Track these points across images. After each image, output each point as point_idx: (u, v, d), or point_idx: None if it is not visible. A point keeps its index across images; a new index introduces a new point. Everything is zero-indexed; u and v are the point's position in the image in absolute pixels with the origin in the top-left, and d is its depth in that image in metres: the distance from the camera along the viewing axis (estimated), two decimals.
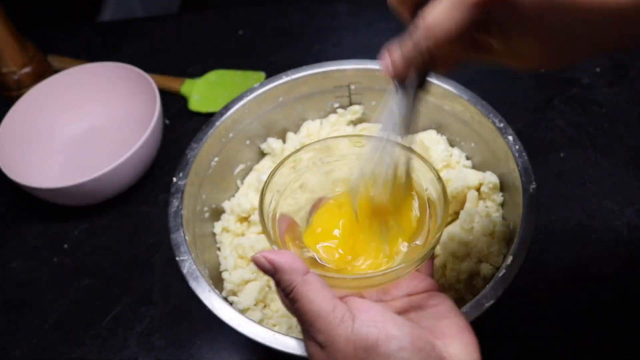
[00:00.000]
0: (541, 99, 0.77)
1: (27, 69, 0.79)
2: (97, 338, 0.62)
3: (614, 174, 0.68)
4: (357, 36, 0.89)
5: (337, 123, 0.64)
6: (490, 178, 0.55)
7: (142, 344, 0.61)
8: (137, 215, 0.72)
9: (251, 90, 0.60)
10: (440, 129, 0.63)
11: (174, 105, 0.83)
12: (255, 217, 0.58)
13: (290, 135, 0.64)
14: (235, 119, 0.60)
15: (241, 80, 0.83)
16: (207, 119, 0.59)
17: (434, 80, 0.58)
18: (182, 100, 0.83)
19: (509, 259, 0.46)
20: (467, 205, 0.55)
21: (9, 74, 0.78)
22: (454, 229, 0.54)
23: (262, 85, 0.61)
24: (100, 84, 0.79)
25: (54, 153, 0.77)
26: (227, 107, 0.59)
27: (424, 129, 0.64)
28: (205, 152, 0.57)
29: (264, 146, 0.63)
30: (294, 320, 0.53)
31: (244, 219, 0.60)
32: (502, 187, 0.56)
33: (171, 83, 0.84)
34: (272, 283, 0.55)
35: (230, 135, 0.60)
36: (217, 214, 0.60)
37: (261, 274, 0.55)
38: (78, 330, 0.63)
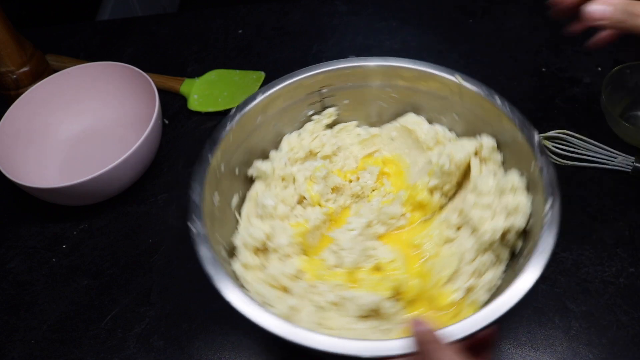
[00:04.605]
0: (542, 98, 0.77)
1: (25, 68, 0.79)
2: (96, 339, 0.62)
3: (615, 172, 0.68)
4: (357, 35, 0.89)
5: (315, 130, 0.63)
6: (487, 141, 0.57)
7: (141, 344, 0.61)
8: (136, 215, 0.71)
9: (231, 117, 0.58)
10: (417, 110, 0.63)
11: (173, 105, 0.83)
12: (272, 243, 0.55)
13: (273, 154, 0.62)
14: (224, 149, 0.57)
15: (241, 79, 0.83)
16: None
17: (407, 65, 0.60)
18: (182, 99, 0.83)
19: (549, 202, 0.48)
20: (473, 171, 0.57)
21: (7, 73, 0.78)
22: (471, 196, 0.55)
23: (240, 108, 0.58)
24: (99, 84, 0.79)
25: (53, 153, 0.77)
26: (213, 141, 0.56)
27: (402, 114, 0.64)
28: (208, 192, 0.54)
29: (251, 172, 0.61)
30: None
31: (259, 250, 0.57)
32: (498, 146, 0.58)
33: (170, 82, 0.83)
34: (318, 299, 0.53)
35: (222, 167, 0.57)
36: (231, 251, 0.57)
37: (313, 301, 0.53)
38: (77, 331, 0.62)
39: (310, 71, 0.60)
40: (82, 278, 0.67)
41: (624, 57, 0.79)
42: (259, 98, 0.59)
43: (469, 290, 0.53)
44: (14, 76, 0.79)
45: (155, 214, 0.71)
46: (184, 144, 0.78)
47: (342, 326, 0.52)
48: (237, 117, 0.58)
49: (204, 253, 0.49)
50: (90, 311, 0.64)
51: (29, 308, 0.65)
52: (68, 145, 0.78)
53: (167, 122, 0.81)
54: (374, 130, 0.65)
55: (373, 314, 0.53)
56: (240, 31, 0.92)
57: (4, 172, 0.67)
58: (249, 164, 0.61)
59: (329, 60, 0.62)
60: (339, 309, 0.53)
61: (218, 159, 0.56)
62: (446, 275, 0.53)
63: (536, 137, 0.52)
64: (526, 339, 0.57)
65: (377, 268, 0.56)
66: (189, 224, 0.50)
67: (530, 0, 0.89)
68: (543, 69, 0.80)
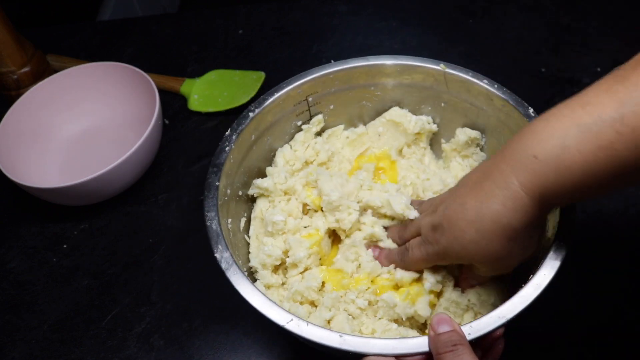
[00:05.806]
0: (541, 99, 0.76)
1: (26, 69, 0.79)
2: (96, 338, 0.62)
3: None
4: (357, 35, 0.89)
5: (306, 139, 0.63)
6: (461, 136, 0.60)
7: (142, 344, 0.61)
8: (136, 215, 0.72)
9: (228, 138, 0.57)
10: (400, 104, 0.64)
11: (173, 105, 0.83)
12: (290, 258, 0.54)
13: (270, 169, 0.61)
14: (227, 173, 0.56)
15: (241, 79, 0.83)
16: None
17: (388, 62, 0.61)
18: (182, 99, 0.83)
19: None
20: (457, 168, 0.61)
21: (8, 73, 0.78)
22: None
23: (235, 128, 0.58)
24: (99, 84, 0.79)
25: (54, 153, 0.77)
26: (217, 166, 0.56)
27: (386, 110, 0.64)
28: (222, 219, 0.53)
29: (252, 191, 0.60)
30: None
31: (277, 268, 0.56)
32: (483, 132, 0.61)
33: (171, 83, 0.84)
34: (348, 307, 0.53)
35: (228, 191, 0.56)
36: (251, 273, 0.57)
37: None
38: (77, 331, 0.63)
39: (296, 81, 0.60)
40: (82, 278, 0.67)
41: (623, 57, 0.79)
42: (251, 115, 0.59)
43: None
44: (15, 76, 0.79)
45: (155, 214, 0.71)
46: (184, 144, 0.78)
47: (380, 329, 0.51)
48: (234, 137, 0.57)
49: (245, 284, 0.47)
50: (91, 311, 0.64)
51: (30, 308, 0.65)
52: (68, 145, 0.78)
53: (167, 122, 0.81)
54: (361, 129, 0.65)
55: None
56: (240, 31, 0.92)
57: (4, 172, 0.67)
58: (247, 184, 0.60)
59: (329, 60, 0.62)
60: (370, 313, 0.53)
61: (224, 184, 0.55)
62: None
63: (531, 111, 0.54)
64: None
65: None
66: (216, 255, 0.49)
67: (530, 0, 0.89)
68: (543, 69, 0.81)
